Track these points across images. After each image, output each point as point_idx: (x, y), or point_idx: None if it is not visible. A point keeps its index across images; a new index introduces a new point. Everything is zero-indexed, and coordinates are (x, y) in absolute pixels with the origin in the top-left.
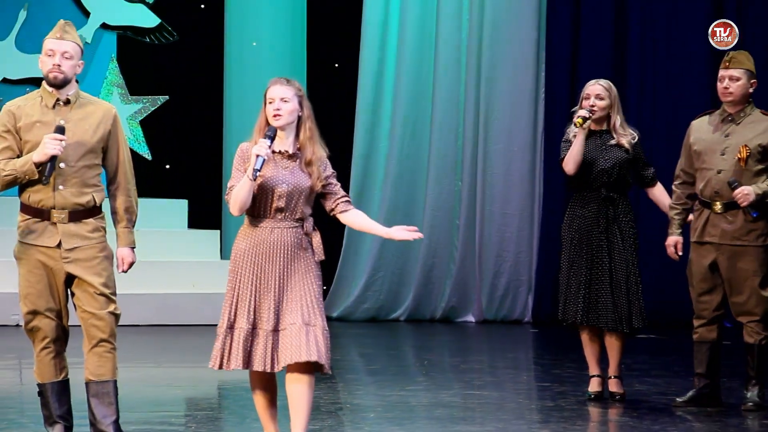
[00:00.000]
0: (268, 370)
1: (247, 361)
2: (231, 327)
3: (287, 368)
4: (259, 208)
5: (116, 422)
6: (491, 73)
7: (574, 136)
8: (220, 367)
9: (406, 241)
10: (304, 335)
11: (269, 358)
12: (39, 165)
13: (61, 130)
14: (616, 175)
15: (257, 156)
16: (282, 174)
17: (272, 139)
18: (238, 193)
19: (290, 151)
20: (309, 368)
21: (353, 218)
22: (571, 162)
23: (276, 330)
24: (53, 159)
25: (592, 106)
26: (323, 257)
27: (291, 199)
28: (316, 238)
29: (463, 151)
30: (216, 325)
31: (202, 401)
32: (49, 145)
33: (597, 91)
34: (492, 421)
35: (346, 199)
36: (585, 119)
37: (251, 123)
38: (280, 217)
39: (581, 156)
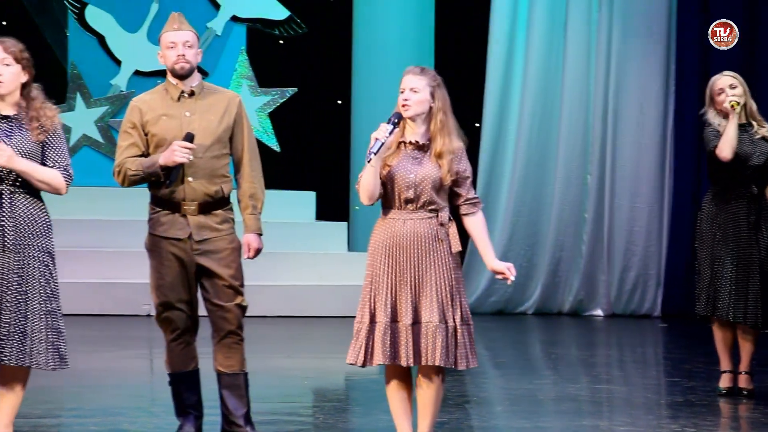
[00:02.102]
0: (411, 365)
1: (391, 356)
2: (370, 321)
3: (418, 366)
4: (390, 199)
5: (247, 414)
6: (621, 65)
7: (719, 123)
8: (364, 364)
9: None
10: (439, 336)
11: (411, 353)
12: (164, 168)
13: (190, 138)
14: (766, 170)
15: (375, 140)
16: (410, 164)
17: (395, 125)
18: (362, 180)
19: (420, 142)
20: (440, 369)
21: (471, 226)
22: (727, 148)
23: (414, 324)
24: (179, 165)
25: (733, 96)
26: (459, 248)
27: (419, 189)
28: (452, 229)
29: (592, 144)
30: (345, 317)
31: (330, 392)
32: (178, 153)
33: (728, 81)
34: (620, 416)
35: (472, 201)
36: (739, 103)
37: (379, 114)
38: (411, 207)
39: (736, 141)
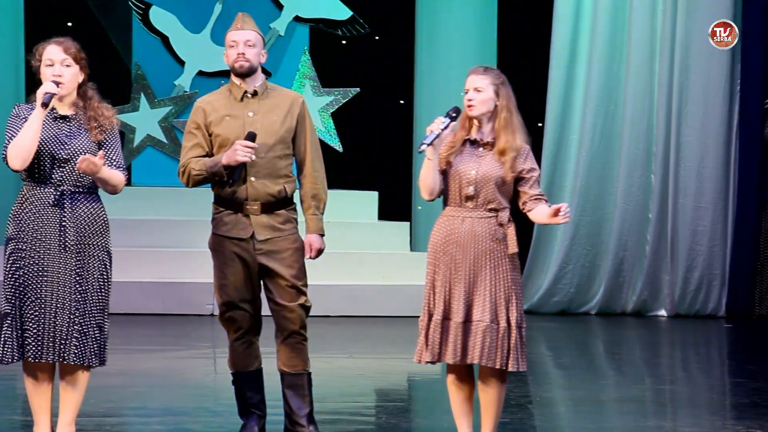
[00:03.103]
0: (457, 362)
1: (439, 353)
2: (429, 319)
3: (480, 366)
4: (452, 196)
5: (310, 414)
6: (685, 63)
7: None
8: (418, 361)
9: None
10: (489, 336)
11: (459, 351)
12: (227, 168)
13: (252, 137)
14: None
15: (430, 132)
16: (473, 161)
17: (452, 119)
18: (421, 174)
19: (485, 140)
20: (502, 369)
21: (535, 213)
22: None
23: (465, 322)
24: (242, 164)
25: None
26: (516, 250)
27: (480, 187)
28: (511, 230)
29: (656, 144)
30: (407, 317)
31: (392, 392)
32: (240, 153)
33: None
34: (684, 417)
35: (537, 197)
36: None
37: (441, 113)
38: (470, 205)
39: None
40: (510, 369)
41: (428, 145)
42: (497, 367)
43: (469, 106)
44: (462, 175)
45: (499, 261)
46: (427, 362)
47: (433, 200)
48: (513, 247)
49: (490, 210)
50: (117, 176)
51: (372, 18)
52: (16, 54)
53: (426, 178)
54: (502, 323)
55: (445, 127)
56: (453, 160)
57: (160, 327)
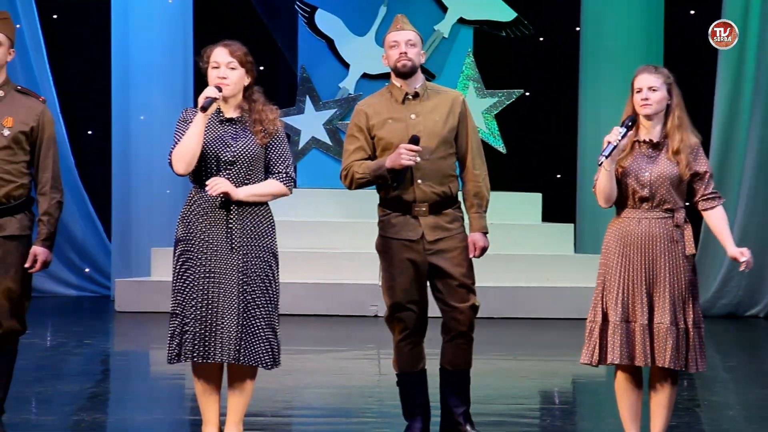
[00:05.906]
0: (648, 365)
1: (626, 356)
2: (601, 320)
3: (651, 367)
4: (625, 198)
5: (467, 412)
6: None
7: None
8: (598, 363)
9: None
10: (670, 338)
11: (648, 353)
12: (391, 171)
13: (416, 140)
14: None
15: (608, 143)
16: (645, 162)
17: (629, 128)
18: (598, 184)
19: (655, 140)
20: (675, 371)
21: (709, 219)
22: None
23: (650, 324)
24: (406, 167)
25: None
26: (693, 251)
27: (655, 187)
28: (687, 231)
29: None
30: (572, 319)
31: (557, 394)
32: (404, 157)
33: None
34: None
35: (710, 196)
36: None
37: (606, 116)
38: (646, 206)
39: None
40: (690, 370)
41: (607, 157)
42: (681, 369)
43: (645, 105)
44: (635, 178)
45: (676, 262)
46: (598, 364)
47: (610, 207)
48: (690, 248)
49: (666, 210)
50: (272, 188)
51: (536, 19)
52: (186, 59)
53: (604, 188)
54: (681, 324)
55: (623, 137)
56: (625, 163)
57: (323, 328)
